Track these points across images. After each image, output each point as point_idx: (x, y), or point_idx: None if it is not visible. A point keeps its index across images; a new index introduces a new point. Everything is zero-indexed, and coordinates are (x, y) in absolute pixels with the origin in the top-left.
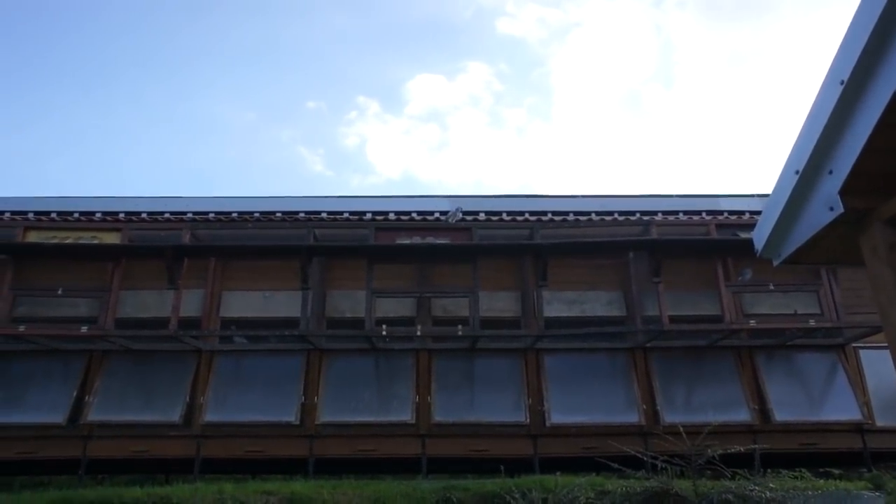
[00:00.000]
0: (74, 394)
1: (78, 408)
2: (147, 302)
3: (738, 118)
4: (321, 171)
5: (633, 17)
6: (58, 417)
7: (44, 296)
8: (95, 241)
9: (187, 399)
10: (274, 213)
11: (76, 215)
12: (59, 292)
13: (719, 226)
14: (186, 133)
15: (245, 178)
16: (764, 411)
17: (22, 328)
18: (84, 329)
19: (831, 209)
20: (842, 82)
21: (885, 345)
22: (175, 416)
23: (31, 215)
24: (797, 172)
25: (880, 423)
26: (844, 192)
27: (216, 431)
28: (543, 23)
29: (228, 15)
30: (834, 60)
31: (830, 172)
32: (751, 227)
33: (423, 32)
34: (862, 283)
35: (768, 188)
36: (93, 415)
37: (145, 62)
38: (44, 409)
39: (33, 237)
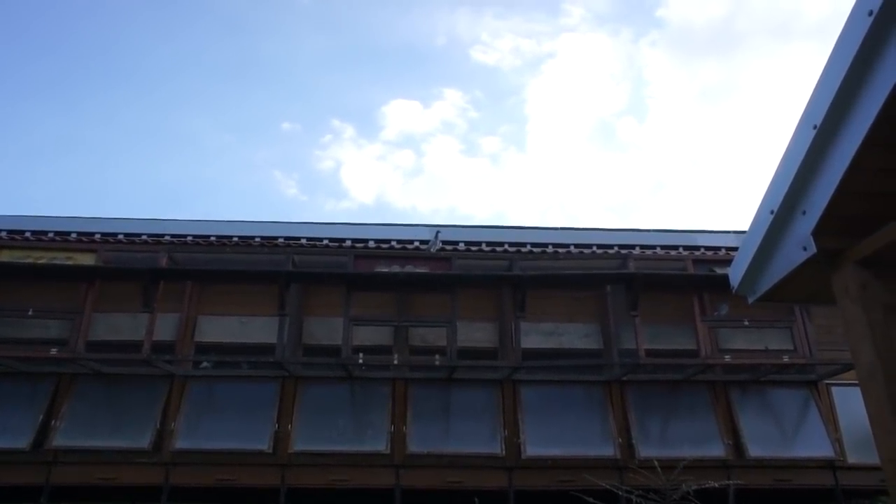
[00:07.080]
0: (40, 418)
1: (43, 433)
2: (120, 325)
3: (711, 154)
4: (295, 194)
5: (606, 51)
6: (21, 443)
7: (13, 316)
8: (70, 262)
9: (157, 425)
10: (253, 237)
11: (51, 235)
12: (30, 313)
13: (696, 261)
14: (161, 149)
15: (219, 198)
16: (738, 446)
17: None
18: (54, 351)
19: (804, 249)
20: (814, 127)
21: (857, 382)
22: (144, 442)
23: (3, 234)
24: (772, 212)
25: (852, 459)
26: (817, 233)
27: (187, 459)
28: (518, 52)
29: (205, 32)
30: (807, 105)
31: (804, 213)
32: (727, 262)
33: (398, 58)
34: (835, 320)
35: (743, 225)
36: (58, 440)
37: (121, 78)
38: (7, 433)
39: (6, 256)
